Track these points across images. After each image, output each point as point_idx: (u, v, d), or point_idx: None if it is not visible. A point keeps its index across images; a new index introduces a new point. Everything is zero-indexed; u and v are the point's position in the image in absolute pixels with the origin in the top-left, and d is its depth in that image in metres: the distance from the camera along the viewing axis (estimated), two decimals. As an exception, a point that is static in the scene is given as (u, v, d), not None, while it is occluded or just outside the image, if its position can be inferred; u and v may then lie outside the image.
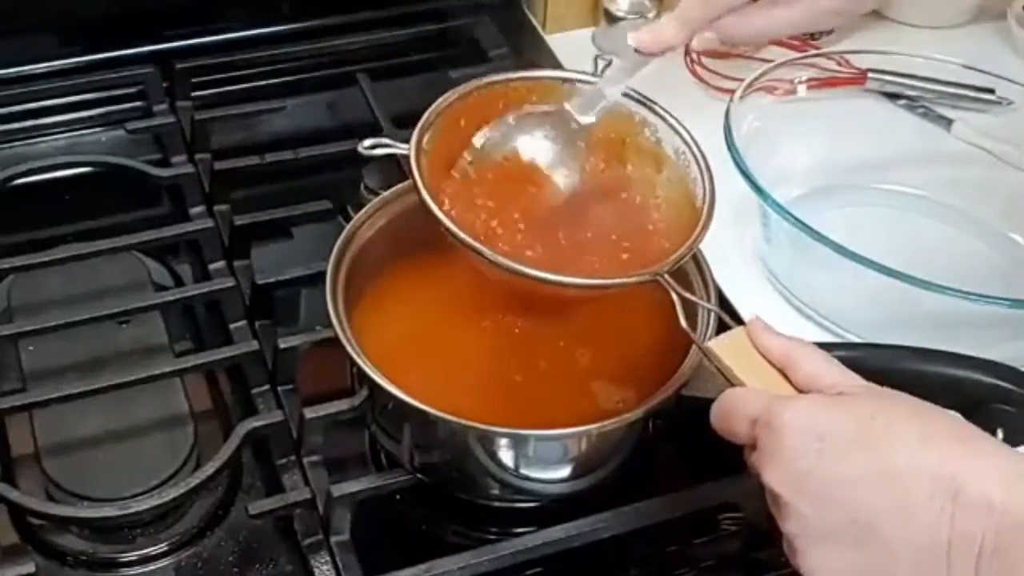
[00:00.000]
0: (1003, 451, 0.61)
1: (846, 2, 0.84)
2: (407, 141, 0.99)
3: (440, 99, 0.79)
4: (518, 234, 0.77)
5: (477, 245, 0.72)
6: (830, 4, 0.83)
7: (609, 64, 0.81)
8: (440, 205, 0.74)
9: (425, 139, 0.76)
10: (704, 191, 0.77)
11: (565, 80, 0.82)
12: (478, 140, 0.79)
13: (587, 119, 0.80)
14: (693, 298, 0.73)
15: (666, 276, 0.72)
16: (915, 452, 0.60)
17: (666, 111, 0.80)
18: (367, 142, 0.77)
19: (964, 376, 0.74)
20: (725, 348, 0.69)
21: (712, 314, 0.76)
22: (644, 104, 0.81)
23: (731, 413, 0.66)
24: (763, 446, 0.63)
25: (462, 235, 0.72)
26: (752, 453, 0.65)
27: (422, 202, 0.73)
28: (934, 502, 0.59)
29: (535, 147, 0.80)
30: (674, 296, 0.72)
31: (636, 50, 0.80)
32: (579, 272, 0.75)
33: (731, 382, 0.68)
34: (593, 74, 0.81)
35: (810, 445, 0.61)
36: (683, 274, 0.78)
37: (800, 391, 0.66)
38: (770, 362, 0.67)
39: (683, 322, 0.71)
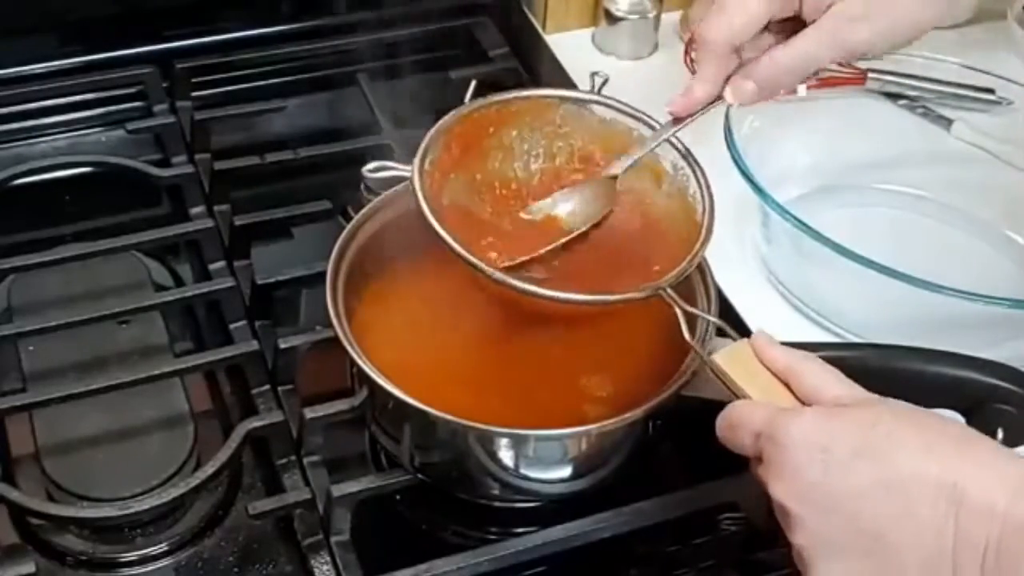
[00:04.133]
0: (1003, 455, 0.62)
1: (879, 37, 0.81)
2: (406, 141, 0.99)
3: (440, 121, 0.80)
4: (521, 247, 0.78)
5: (479, 263, 0.73)
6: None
7: (605, 81, 0.82)
8: (442, 220, 0.75)
9: (427, 160, 0.78)
10: (704, 205, 0.78)
11: (562, 98, 0.83)
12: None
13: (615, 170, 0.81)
14: (696, 311, 0.73)
15: (668, 290, 0.73)
16: (917, 459, 0.61)
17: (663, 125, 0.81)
18: (371, 165, 0.78)
19: (964, 376, 0.74)
20: (729, 360, 0.70)
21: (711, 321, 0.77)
22: (642, 120, 0.82)
23: (737, 426, 0.67)
24: (769, 459, 0.64)
25: (465, 253, 0.73)
26: (758, 466, 0.65)
27: (425, 222, 0.74)
28: (938, 508, 0.59)
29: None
30: (677, 311, 0.72)
31: (671, 114, 0.81)
32: (580, 287, 0.75)
33: (735, 393, 0.69)
34: (590, 91, 0.83)
35: (815, 457, 0.62)
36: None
37: (803, 402, 0.67)
38: (774, 374, 0.68)
39: (687, 335, 0.72)
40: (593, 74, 0.82)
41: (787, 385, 0.68)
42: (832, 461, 0.61)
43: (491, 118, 0.82)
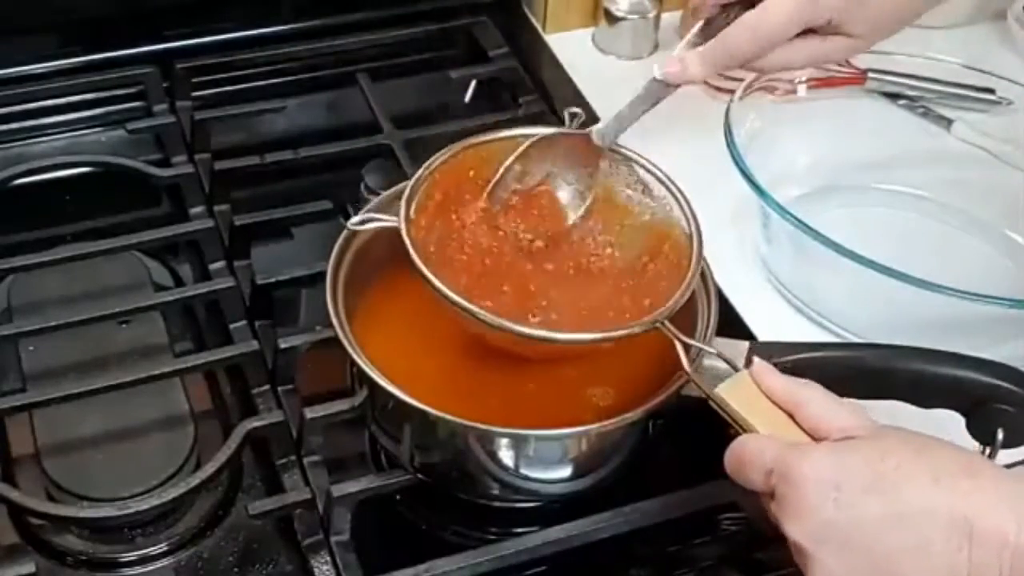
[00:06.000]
0: (1010, 482, 0.62)
1: (856, 42, 0.85)
2: (406, 141, 0.99)
3: (422, 168, 0.79)
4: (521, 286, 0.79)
5: (474, 309, 0.73)
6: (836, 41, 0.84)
7: (576, 116, 0.82)
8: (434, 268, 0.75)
9: (412, 208, 0.77)
10: (691, 230, 0.78)
11: (542, 138, 0.82)
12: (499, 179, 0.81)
13: (607, 142, 0.81)
14: (695, 343, 0.73)
15: (666, 323, 0.73)
16: (927, 492, 0.61)
17: (640, 156, 0.81)
18: (355, 218, 0.78)
19: (964, 376, 0.74)
20: (732, 392, 0.70)
21: (710, 322, 0.77)
22: (620, 154, 0.82)
23: (745, 462, 0.67)
24: (782, 498, 0.64)
25: (460, 300, 0.73)
26: (770, 502, 0.65)
27: (417, 270, 0.74)
28: (950, 540, 0.60)
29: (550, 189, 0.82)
30: (676, 343, 0.72)
31: (660, 79, 0.81)
32: (579, 326, 0.76)
33: (740, 426, 0.69)
34: (571, 126, 0.82)
35: (828, 495, 0.62)
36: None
37: (806, 432, 0.67)
38: (776, 404, 0.68)
39: (687, 367, 0.71)
40: (568, 112, 0.83)
41: (790, 415, 0.68)
42: (844, 498, 0.62)
43: (470, 160, 0.81)
